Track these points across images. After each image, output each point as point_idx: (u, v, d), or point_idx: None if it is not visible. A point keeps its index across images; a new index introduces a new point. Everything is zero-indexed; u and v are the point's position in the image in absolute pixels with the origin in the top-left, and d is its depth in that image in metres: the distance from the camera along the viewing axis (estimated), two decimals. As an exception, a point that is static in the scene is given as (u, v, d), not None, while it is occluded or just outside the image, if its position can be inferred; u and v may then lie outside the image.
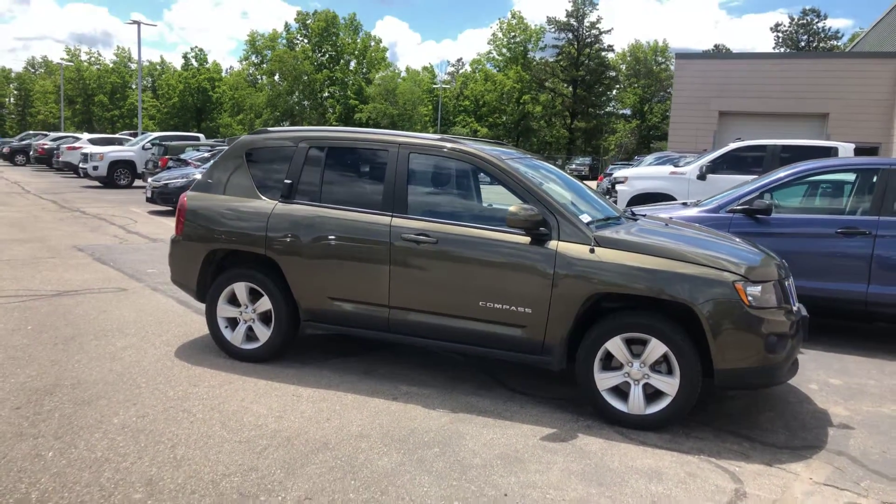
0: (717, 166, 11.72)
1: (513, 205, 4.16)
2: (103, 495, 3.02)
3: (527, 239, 4.21)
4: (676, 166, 12.68)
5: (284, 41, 71.55)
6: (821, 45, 63.38)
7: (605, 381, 4.12)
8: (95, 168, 20.89)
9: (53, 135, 35.26)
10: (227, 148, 5.23)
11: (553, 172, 5.20)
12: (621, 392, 4.12)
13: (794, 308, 4.20)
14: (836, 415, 4.45)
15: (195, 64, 76.30)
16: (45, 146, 30.30)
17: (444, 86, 67.39)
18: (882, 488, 3.46)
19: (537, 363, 4.29)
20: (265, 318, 4.92)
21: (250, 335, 4.98)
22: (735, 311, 3.85)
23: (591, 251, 4.10)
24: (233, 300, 5.00)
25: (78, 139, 27.23)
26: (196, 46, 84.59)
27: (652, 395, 4.06)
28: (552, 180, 4.94)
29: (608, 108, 67.50)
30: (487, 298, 4.29)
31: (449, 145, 4.59)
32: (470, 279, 4.33)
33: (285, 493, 3.12)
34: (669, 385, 3.99)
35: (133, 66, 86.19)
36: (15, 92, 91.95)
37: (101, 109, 75.89)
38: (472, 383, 4.73)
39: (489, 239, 4.29)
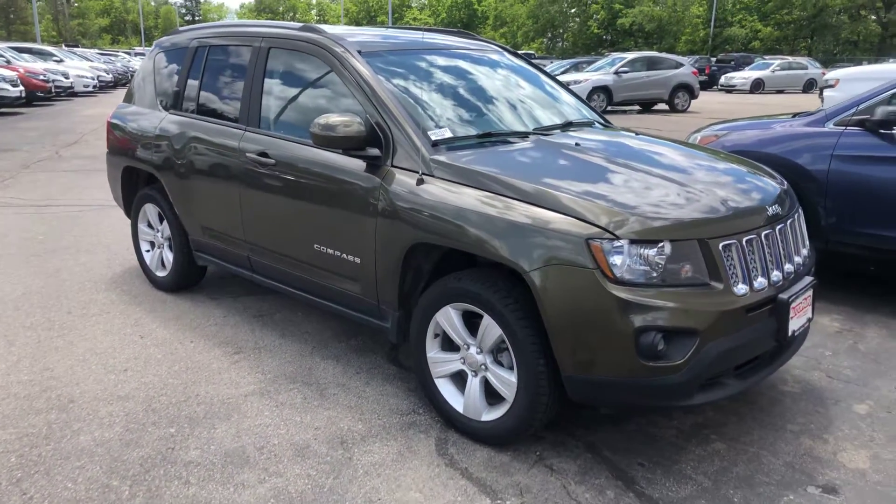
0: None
1: (329, 114, 3.01)
2: None
3: (361, 164, 3.06)
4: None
5: (550, -55, 68.57)
6: None
7: (440, 365, 2.92)
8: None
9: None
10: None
11: (493, 67, 3.80)
12: (464, 385, 2.88)
13: (747, 285, 2.49)
14: (843, 465, 2.66)
15: (463, -22, 77.27)
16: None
17: (722, -20, 59.20)
18: None
19: (382, 331, 3.20)
20: (171, 244, 4.43)
21: (163, 261, 4.55)
22: (583, 284, 2.36)
23: (419, 182, 2.83)
24: (152, 223, 4.60)
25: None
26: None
27: (496, 394, 2.77)
28: (473, 81, 3.58)
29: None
30: (320, 241, 3.26)
31: (304, 34, 3.50)
32: (304, 215, 3.33)
33: (-70, 460, 2.65)
34: (507, 385, 2.67)
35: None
36: (316, 17, 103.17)
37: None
38: (352, 343, 3.78)
39: (324, 162, 3.21)
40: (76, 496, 2.44)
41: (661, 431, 2.92)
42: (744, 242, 2.52)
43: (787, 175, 3.83)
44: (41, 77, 19.09)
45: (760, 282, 2.54)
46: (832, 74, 9.69)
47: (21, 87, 16.62)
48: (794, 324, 2.66)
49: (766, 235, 2.63)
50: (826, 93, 9.27)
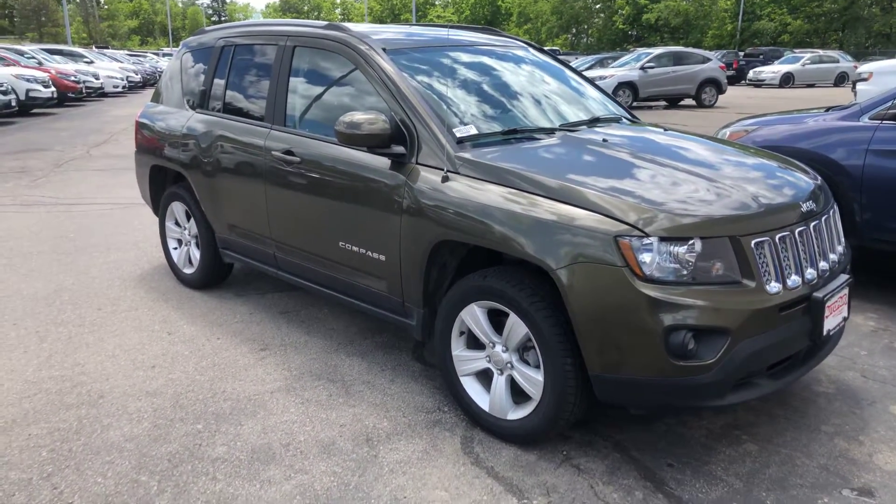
0: None
1: (354, 112, 3.00)
2: None
3: (386, 161, 3.05)
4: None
5: (574, -60, 68.00)
6: None
7: (465, 363, 2.90)
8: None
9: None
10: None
11: (518, 63, 3.76)
12: (490, 383, 2.86)
13: (780, 284, 2.43)
14: (878, 467, 2.60)
15: (487, -25, 77.02)
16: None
17: (750, -27, 58.21)
18: None
19: (407, 328, 3.19)
20: (198, 242, 4.47)
21: (190, 259, 4.60)
22: (612, 282, 2.32)
23: (444, 179, 2.81)
24: (179, 221, 4.65)
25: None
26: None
27: (522, 393, 2.75)
28: (498, 78, 3.55)
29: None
30: (346, 238, 3.26)
31: (329, 32, 3.50)
32: (329, 212, 3.33)
33: (-35, 454, 2.70)
34: (533, 384, 2.64)
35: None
36: (340, 16, 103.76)
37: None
38: (378, 340, 3.78)
39: (349, 160, 3.20)
40: (106, 491, 2.47)
41: (691, 432, 2.87)
42: (777, 240, 2.46)
43: (821, 170, 3.75)
44: (72, 78, 19.44)
45: (794, 280, 2.48)
46: (865, 68, 9.49)
47: (53, 88, 16.92)
48: (830, 323, 2.59)
49: (801, 232, 2.57)
50: (859, 86, 9.08)
